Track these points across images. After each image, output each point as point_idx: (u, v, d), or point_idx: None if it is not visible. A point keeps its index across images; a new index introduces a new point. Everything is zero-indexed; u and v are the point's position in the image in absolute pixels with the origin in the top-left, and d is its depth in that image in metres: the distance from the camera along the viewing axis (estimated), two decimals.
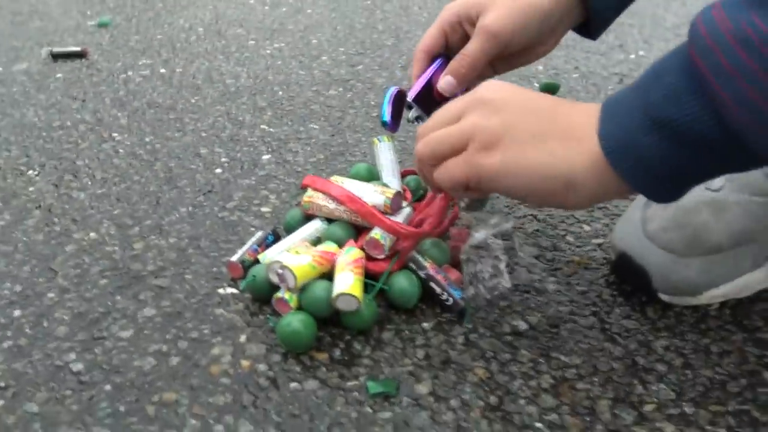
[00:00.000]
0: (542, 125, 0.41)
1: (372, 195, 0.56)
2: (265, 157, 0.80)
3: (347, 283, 0.48)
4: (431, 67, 0.57)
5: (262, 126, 0.89)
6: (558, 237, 0.62)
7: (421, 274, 0.52)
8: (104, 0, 1.65)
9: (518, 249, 0.57)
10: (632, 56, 1.11)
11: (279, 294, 0.51)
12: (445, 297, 0.51)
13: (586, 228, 0.63)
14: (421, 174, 0.48)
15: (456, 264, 0.56)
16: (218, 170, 0.77)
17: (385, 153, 0.62)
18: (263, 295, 0.54)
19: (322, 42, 1.25)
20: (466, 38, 0.56)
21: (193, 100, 0.99)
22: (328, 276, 0.51)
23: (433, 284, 0.52)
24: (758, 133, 0.34)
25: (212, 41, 1.28)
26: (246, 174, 0.76)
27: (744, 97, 0.33)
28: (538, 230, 0.63)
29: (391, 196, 0.55)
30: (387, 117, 0.57)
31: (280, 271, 0.50)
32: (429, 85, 0.57)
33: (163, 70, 1.13)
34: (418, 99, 0.56)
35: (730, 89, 0.33)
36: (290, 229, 0.60)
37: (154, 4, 1.61)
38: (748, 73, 0.33)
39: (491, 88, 0.44)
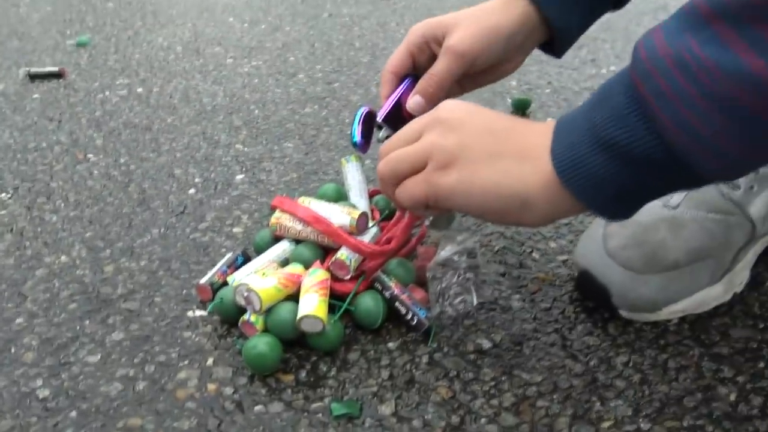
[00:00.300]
0: (497, 144, 0.42)
1: (338, 216, 0.57)
2: (239, 176, 0.81)
3: (312, 305, 0.49)
4: (399, 88, 0.58)
5: (237, 145, 0.90)
6: (524, 254, 0.63)
7: (386, 294, 0.53)
8: (83, 19, 1.66)
9: (482, 266, 0.58)
10: (604, 71, 1.13)
11: (245, 317, 0.51)
12: (410, 317, 0.52)
13: (552, 244, 0.64)
14: (384, 192, 0.48)
15: (423, 283, 0.57)
16: (192, 191, 0.78)
17: (352, 173, 0.63)
18: (231, 318, 0.54)
19: (299, 59, 1.26)
20: (432, 58, 0.58)
21: (169, 120, 0.99)
22: (295, 298, 0.52)
23: (398, 304, 0.52)
24: (698, 155, 0.35)
25: (190, 60, 1.29)
26: (219, 194, 0.77)
27: (683, 120, 0.34)
28: (504, 247, 0.64)
29: (356, 216, 0.56)
30: (357, 137, 0.58)
31: (246, 293, 0.50)
32: (398, 105, 0.58)
33: (140, 90, 1.13)
34: (387, 119, 0.57)
35: (669, 112, 0.35)
36: (260, 250, 0.60)
37: (133, 22, 1.61)
38: (686, 97, 0.34)
39: (449, 107, 0.45)
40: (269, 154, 0.87)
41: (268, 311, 0.51)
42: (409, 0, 1.73)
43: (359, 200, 0.62)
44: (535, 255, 0.62)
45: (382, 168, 0.47)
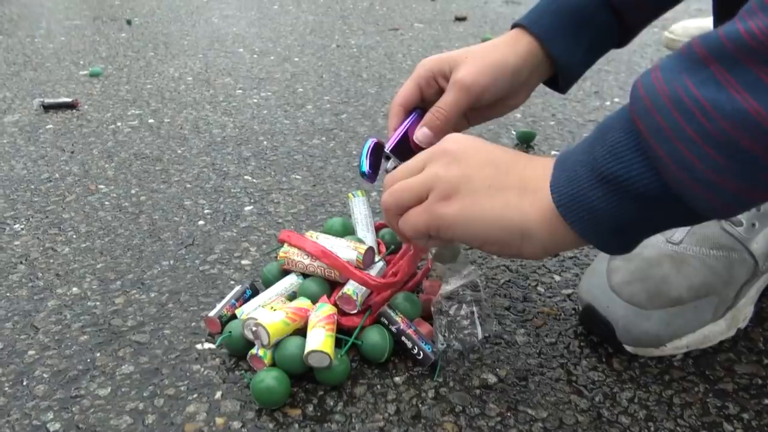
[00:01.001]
0: (499, 177, 0.43)
1: (345, 250, 0.58)
2: (248, 208, 0.82)
3: (319, 339, 0.49)
4: (407, 120, 0.60)
5: (245, 176, 0.91)
6: (529, 288, 0.63)
7: (393, 328, 0.53)
8: (96, 50, 1.70)
9: (487, 299, 0.58)
10: (608, 103, 1.14)
11: (254, 351, 0.52)
12: (416, 351, 0.53)
13: (557, 278, 0.65)
14: (388, 222, 0.50)
15: (429, 317, 0.58)
16: (201, 222, 0.79)
17: (359, 207, 0.64)
18: (239, 351, 0.55)
19: (307, 90, 1.29)
20: (439, 92, 0.59)
21: (179, 151, 1.01)
22: (302, 332, 0.53)
23: (404, 338, 0.53)
24: (695, 192, 0.36)
25: (201, 90, 1.32)
26: (228, 226, 0.78)
27: (680, 157, 0.35)
28: (509, 281, 0.64)
29: (363, 251, 0.57)
30: (366, 168, 0.59)
31: (255, 328, 0.51)
32: (405, 137, 0.59)
33: (151, 120, 1.16)
34: (395, 150, 0.58)
35: (666, 149, 0.35)
36: (268, 283, 0.61)
37: (145, 53, 1.65)
38: (683, 134, 0.35)
39: (454, 140, 0.46)
40: (277, 185, 0.88)
41: (276, 345, 0.51)
42: (416, 31, 1.76)
43: (366, 234, 0.63)
44: (540, 288, 0.63)
45: (387, 198, 0.48)
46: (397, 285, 0.56)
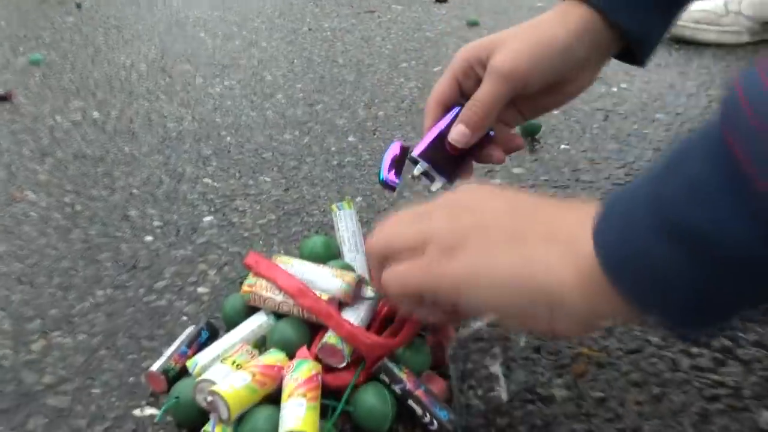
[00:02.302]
0: (520, 224, 0.33)
1: (328, 280, 0.44)
2: (207, 218, 0.68)
3: (297, 415, 0.36)
4: (445, 119, 0.48)
5: (204, 179, 0.77)
6: None
7: (396, 388, 0.40)
8: (39, 35, 1.52)
9: (516, 343, 0.46)
10: (614, 89, 1.02)
11: (209, 428, 0.38)
12: (428, 419, 0.40)
13: None
14: (371, 273, 0.40)
15: (439, 364, 0.45)
16: (148, 238, 0.65)
17: (345, 222, 0.50)
18: (191, 422, 0.41)
19: (277, 78, 1.14)
20: (480, 84, 0.48)
21: (126, 149, 0.86)
22: (274, 398, 0.39)
23: (411, 402, 0.40)
24: None
25: (155, 79, 1.16)
26: (181, 242, 0.63)
27: None
28: None
29: (352, 281, 0.43)
30: (384, 173, 0.47)
31: (210, 397, 0.37)
32: (441, 139, 0.47)
33: (96, 114, 1.00)
34: (426, 154, 0.46)
35: None
36: (230, 322, 0.47)
37: (94, 39, 1.48)
38: None
39: (469, 189, 0.37)
40: (243, 189, 0.74)
41: (240, 420, 0.38)
42: (394, 13, 1.62)
43: (354, 257, 0.49)
44: None
45: (372, 243, 0.38)
46: (398, 346, 0.42)
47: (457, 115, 0.49)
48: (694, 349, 0.47)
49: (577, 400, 0.43)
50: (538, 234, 0.32)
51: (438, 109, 0.49)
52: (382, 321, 0.46)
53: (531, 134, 0.85)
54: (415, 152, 0.48)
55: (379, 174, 0.49)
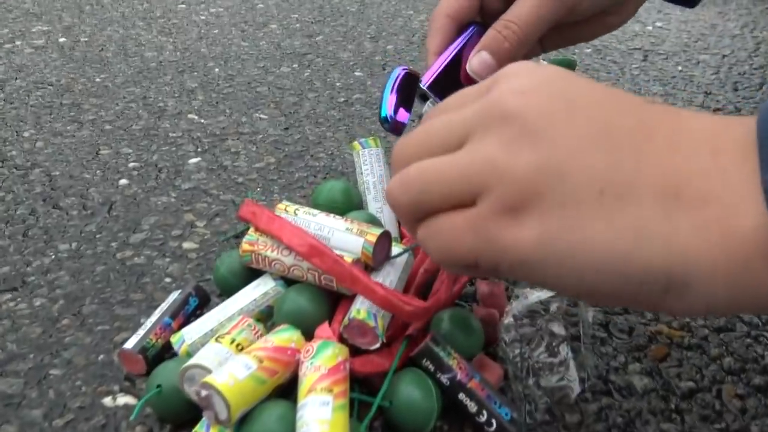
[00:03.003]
0: (622, 165, 0.21)
1: (344, 237, 0.34)
2: (193, 160, 0.57)
3: (322, 418, 0.27)
4: (458, 40, 0.37)
5: (189, 115, 0.66)
6: None
7: (443, 379, 0.31)
8: None
9: (587, 317, 0.37)
10: (649, 28, 0.92)
11: (201, 430, 0.29)
12: (484, 418, 0.31)
13: None
14: (403, 225, 0.28)
15: (490, 343, 0.36)
16: (123, 181, 0.54)
17: (371, 164, 0.40)
18: (177, 416, 0.32)
19: (269, 6, 1.01)
20: (508, 0, 0.36)
21: (98, 79, 0.74)
22: (287, 390, 0.30)
23: (463, 397, 0.31)
24: None
25: (131, 4, 1.03)
26: (163, 187, 0.53)
27: None
28: None
29: (373, 239, 0.34)
30: (388, 110, 0.35)
31: (204, 392, 0.28)
32: (456, 65, 0.36)
33: (63, 39, 0.87)
34: (436, 85, 0.35)
35: None
36: (225, 287, 0.38)
37: None
38: None
39: (523, 83, 0.23)
40: (235, 128, 0.63)
41: (242, 422, 0.29)
42: None
43: (381, 207, 0.40)
44: None
45: (396, 192, 0.24)
46: (441, 306, 0.33)
47: (474, 37, 0.38)
48: None
49: (662, 392, 0.34)
50: (652, 186, 0.20)
51: (450, 25, 0.37)
52: (418, 287, 0.37)
53: None
54: (424, 83, 0.35)
55: (380, 110, 0.37)
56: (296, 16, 0.97)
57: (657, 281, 0.20)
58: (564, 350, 0.35)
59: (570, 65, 0.74)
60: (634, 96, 0.23)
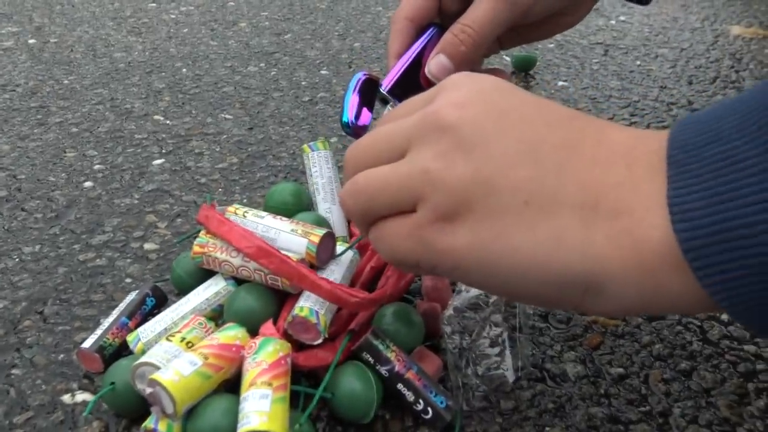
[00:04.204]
0: (544, 181, 0.22)
1: (289, 238, 0.36)
2: (157, 162, 0.59)
3: (261, 410, 0.29)
4: (418, 42, 0.38)
5: (155, 116, 0.67)
6: None
7: (383, 370, 0.33)
8: None
9: (526, 313, 0.39)
10: (612, 22, 0.94)
11: (149, 424, 0.31)
12: (421, 406, 0.33)
13: None
14: (354, 225, 0.29)
15: (432, 335, 0.38)
16: (87, 183, 0.55)
17: (320, 166, 0.42)
18: (131, 411, 0.34)
19: (240, 4, 1.02)
20: (466, 1, 0.38)
21: (66, 81, 0.75)
22: (232, 385, 0.32)
23: (402, 387, 0.33)
24: None
25: (102, 3, 1.03)
26: (127, 189, 0.54)
27: None
28: None
29: (317, 240, 0.36)
30: (349, 116, 0.37)
31: (150, 389, 0.30)
32: (416, 68, 0.37)
33: (32, 41, 0.88)
34: (396, 89, 0.37)
35: None
36: (182, 286, 0.40)
37: None
38: None
39: (460, 96, 0.24)
40: (200, 128, 0.64)
41: (189, 414, 0.30)
42: None
43: (330, 207, 0.41)
44: None
45: (347, 200, 0.27)
46: (391, 297, 0.35)
47: (433, 39, 0.39)
48: (724, 316, 0.40)
49: (593, 378, 0.37)
50: (571, 198, 0.22)
51: (410, 28, 0.39)
52: (363, 284, 0.38)
53: (525, 69, 0.76)
54: (384, 87, 0.37)
55: (342, 115, 0.37)
56: (266, 13, 0.98)
57: (575, 285, 0.22)
58: (502, 340, 0.37)
59: (530, 61, 0.76)
60: (563, 109, 0.24)
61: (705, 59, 0.80)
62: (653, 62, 0.79)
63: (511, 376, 0.36)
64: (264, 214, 0.38)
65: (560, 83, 0.74)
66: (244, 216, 0.37)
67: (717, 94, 0.70)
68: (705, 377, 0.36)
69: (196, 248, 0.37)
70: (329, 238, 0.36)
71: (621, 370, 0.37)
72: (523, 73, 0.76)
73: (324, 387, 0.32)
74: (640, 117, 0.66)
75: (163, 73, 0.77)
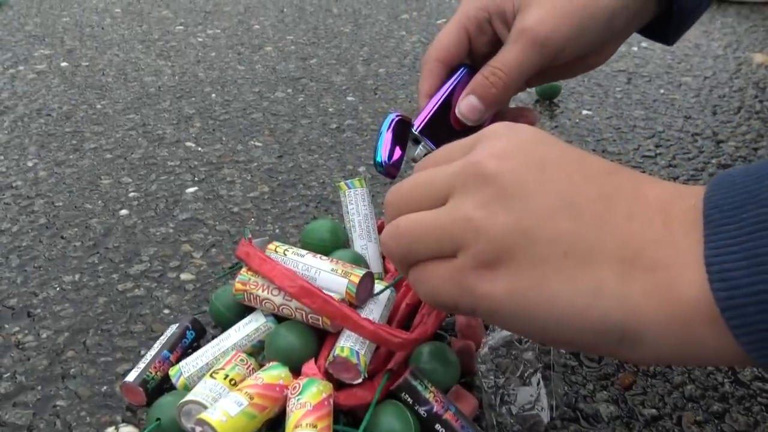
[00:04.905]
0: (584, 235, 0.23)
1: (329, 278, 0.37)
2: (190, 190, 0.60)
3: None
4: (448, 83, 0.40)
5: (187, 143, 0.68)
6: None
7: (421, 411, 0.34)
8: None
9: (558, 354, 0.39)
10: (635, 48, 0.95)
11: None
12: None
13: None
14: (394, 266, 0.31)
15: (467, 373, 0.39)
16: (123, 211, 0.57)
17: (357, 204, 0.43)
18: None
19: (266, 28, 1.04)
20: (496, 43, 0.39)
21: (99, 106, 0.77)
22: (276, 421, 0.33)
23: (439, 427, 0.34)
24: None
25: (131, 26, 1.06)
26: (162, 217, 0.56)
27: None
28: None
29: (357, 280, 0.36)
30: (382, 155, 0.38)
31: (199, 429, 0.30)
32: (447, 107, 0.39)
33: (64, 64, 0.90)
34: (428, 129, 0.38)
35: None
36: (220, 320, 0.41)
37: None
38: None
39: (501, 146, 0.25)
40: (231, 155, 0.66)
41: None
42: None
43: (366, 245, 0.42)
44: None
45: (389, 242, 0.28)
46: (425, 338, 0.36)
47: (462, 80, 0.40)
48: None
49: (626, 419, 0.37)
50: (610, 251, 0.22)
51: (440, 69, 0.40)
52: (399, 321, 0.39)
53: (550, 98, 0.77)
54: (416, 127, 0.38)
55: (375, 155, 0.38)
56: (291, 37, 1.00)
57: (612, 334, 0.23)
58: (536, 379, 0.37)
59: (555, 90, 0.77)
60: (601, 161, 0.25)
61: (728, 88, 0.80)
62: (677, 91, 0.80)
63: (545, 416, 0.36)
64: (304, 252, 0.39)
65: (584, 112, 0.75)
66: (285, 254, 0.38)
67: (741, 125, 0.71)
68: (738, 420, 0.37)
69: (238, 285, 0.38)
70: (368, 278, 0.37)
71: (654, 411, 0.37)
72: (548, 101, 0.77)
73: (364, 428, 0.33)
74: (665, 148, 0.66)
75: (193, 98, 0.79)
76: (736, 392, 0.39)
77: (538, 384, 0.37)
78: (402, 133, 0.39)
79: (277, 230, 0.54)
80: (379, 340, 0.34)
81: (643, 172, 0.61)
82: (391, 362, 0.36)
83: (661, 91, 0.80)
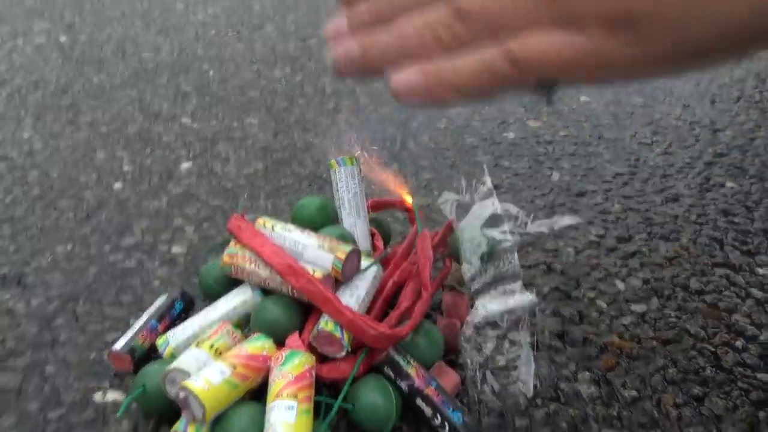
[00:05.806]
0: None
1: (316, 253, 0.37)
2: (185, 165, 0.60)
3: (287, 421, 0.30)
4: None
5: (183, 119, 0.68)
6: (585, 301, 0.45)
7: (402, 385, 0.34)
8: None
9: (542, 330, 0.40)
10: None
11: (180, 427, 0.32)
12: (438, 421, 0.34)
13: (621, 286, 0.46)
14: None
15: (451, 351, 0.39)
16: (117, 184, 0.57)
17: (346, 182, 0.43)
18: (160, 412, 0.35)
19: (266, 7, 1.04)
20: None
21: (95, 80, 0.77)
22: (258, 392, 0.33)
23: (420, 401, 0.34)
24: None
25: (131, 3, 1.05)
26: (155, 191, 0.56)
27: None
28: (557, 288, 0.46)
29: (343, 256, 0.37)
30: None
31: (183, 394, 0.31)
32: None
33: (63, 38, 0.90)
34: None
35: None
36: (209, 292, 0.41)
37: None
38: None
39: None
40: (226, 132, 0.66)
41: (216, 420, 0.32)
42: None
43: (355, 222, 0.42)
44: (601, 303, 0.45)
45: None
46: (407, 333, 0.36)
47: None
48: (738, 343, 0.41)
49: (606, 400, 0.37)
50: None
51: None
52: (385, 299, 0.39)
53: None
54: None
55: None
56: (291, 17, 1.00)
57: None
58: (519, 358, 0.38)
59: None
60: None
61: (728, 78, 0.80)
62: (676, 79, 0.79)
63: (527, 394, 0.37)
64: (291, 227, 0.39)
65: (582, 98, 0.74)
66: (273, 229, 0.39)
67: (740, 114, 0.71)
68: (717, 404, 0.37)
69: (225, 258, 0.38)
70: (355, 255, 0.37)
71: (634, 392, 0.38)
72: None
73: (343, 397, 0.34)
74: (662, 136, 0.66)
75: (191, 75, 0.79)
76: (717, 377, 0.39)
77: (520, 363, 0.38)
78: None
79: (269, 206, 0.54)
80: (355, 330, 0.34)
81: (638, 159, 0.62)
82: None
83: (661, 79, 0.79)
